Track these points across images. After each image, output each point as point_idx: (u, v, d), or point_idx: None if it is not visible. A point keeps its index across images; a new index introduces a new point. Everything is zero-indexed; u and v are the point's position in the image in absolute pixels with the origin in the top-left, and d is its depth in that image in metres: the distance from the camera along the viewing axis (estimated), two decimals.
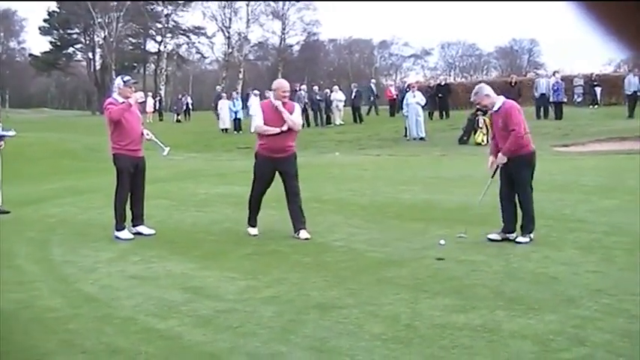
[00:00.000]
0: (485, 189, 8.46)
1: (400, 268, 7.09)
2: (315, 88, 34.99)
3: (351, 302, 5.93)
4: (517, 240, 8.01)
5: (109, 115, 9.07)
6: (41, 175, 18.93)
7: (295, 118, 9.05)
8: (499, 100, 8.14)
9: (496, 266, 6.97)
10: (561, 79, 28.64)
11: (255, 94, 33.04)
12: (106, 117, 9.28)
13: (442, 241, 8.00)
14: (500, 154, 8.15)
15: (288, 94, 9.20)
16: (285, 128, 8.83)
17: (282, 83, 9.27)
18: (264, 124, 8.85)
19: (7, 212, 11.57)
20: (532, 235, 8.02)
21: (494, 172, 8.31)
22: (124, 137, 9.12)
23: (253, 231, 9.26)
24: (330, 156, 21.83)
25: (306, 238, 8.74)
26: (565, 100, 28.78)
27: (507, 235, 8.11)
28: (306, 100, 32.72)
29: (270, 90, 9.64)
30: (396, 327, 5.23)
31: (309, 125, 32.52)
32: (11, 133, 11.89)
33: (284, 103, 8.93)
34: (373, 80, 42.61)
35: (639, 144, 18.41)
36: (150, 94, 49.43)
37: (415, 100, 24.59)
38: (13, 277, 7.27)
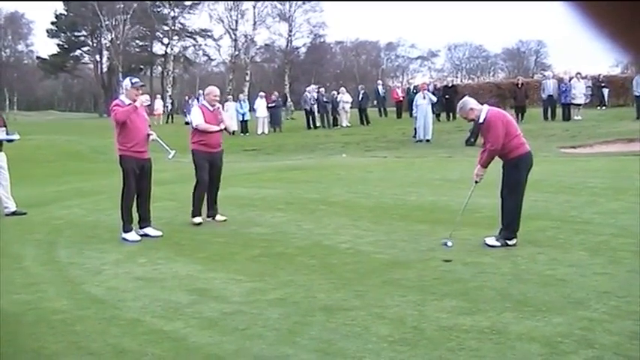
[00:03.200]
0: (468, 196, 8.41)
1: (407, 270, 7.07)
2: (322, 89, 35.02)
3: (358, 304, 5.91)
4: (487, 241, 7.87)
5: (115, 116, 9.13)
6: (48, 177, 18.98)
7: (228, 119, 10.73)
8: (483, 111, 8.04)
9: (503, 268, 6.93)
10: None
11: (261, 96, 33.12)
12: (112, 118, 9.32)
13: (449, 243, 7.95)
14: (478, 167, 8.15)
15: (218, 97, 10.54)
16: (222, 127, 10.31)
17: (212, 89, 10.61)
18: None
19: (24, 213, 11.62)
20: (509, 242, 7.80)
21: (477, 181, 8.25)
22: (129, 139, 9.15)
23: (198, 220, 10.16)
24: (336, 158, 21.81)
25: (224, 220, 10.30)
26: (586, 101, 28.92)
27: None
28: (312, 102, 32.72)
29: (204, 94, 11.10)
30: (403, 329, 5.21)
31: (316, 127, 32.54)
32: (15, 136, 11.92)
33: (216, 107, 10.36)
34: (379, 82, 42.58)
35: None
36: (158, 96, 49.64)
37: (425, 101, 24.55)
38: (20, 279, 7.29)
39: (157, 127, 18.23)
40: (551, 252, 7.55)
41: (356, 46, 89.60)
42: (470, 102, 8.26)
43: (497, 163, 8.11)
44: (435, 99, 25.38)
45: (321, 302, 6.02)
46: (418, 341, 4.93)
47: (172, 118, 45.49)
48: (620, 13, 0.61)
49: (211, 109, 10.23)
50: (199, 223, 10.08)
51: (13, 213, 11.60)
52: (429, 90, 27.43)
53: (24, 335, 5.53)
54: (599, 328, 5.01)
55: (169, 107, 46.95)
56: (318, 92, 33.66)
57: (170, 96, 59.91)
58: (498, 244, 7.79)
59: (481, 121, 8.01)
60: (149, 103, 9.60)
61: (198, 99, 39.47)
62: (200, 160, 10.19)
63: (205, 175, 10.19)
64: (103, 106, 63.37)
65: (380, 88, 38.76)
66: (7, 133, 11.84)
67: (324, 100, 32.97)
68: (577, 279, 6.42)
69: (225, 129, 10.58)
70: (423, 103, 24.51)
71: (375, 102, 38.61)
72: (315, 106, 32.84)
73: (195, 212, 10.21)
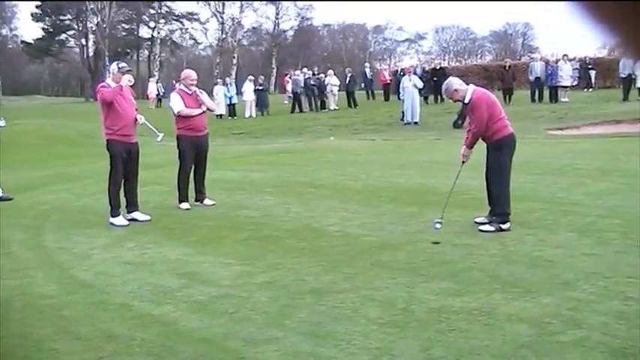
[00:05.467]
0: (455, 177, 8.40)
1: (395, 252, 7.08)
2: (310, 72, 34.88)
3: (347, 287, 5.92)
4: (480, 228, 7.80)
5: (102, 96, 9.06)
6: (35, 161, 18.86)
7: (208, 100, 10.52)
8: (469, 92, 7.97)
9: (492, 250, 6.96)
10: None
11: (250, 80, 32.97)
12: (98, 99, 9.26)
13: (437, 225, 7.93)
14: (464, 147, 8.13)
15: (195, 81, 10.30)
16: (204, 109, 10.24)
17: (189, 72, 10.46)
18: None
19: (11, 199, 11.53)
20: (503, 226, 7.74)
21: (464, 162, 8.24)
22: (116, 122, 9.08)
23: (186, 205, 10.15)
24: (325, 141, 21.78)
25: (213, 204, 10.27)
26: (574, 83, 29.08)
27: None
28: (302, 85, 32.60)
29: (181, 79, 10.72)
30: (392, 311, 5.22)
31: (301, 111, 32.42)
32: (1, 123, 11.84)
33: (194, 90, 10.19)
34: (367, 65, 42.47)
35: (634, 127, 18.41)
36: (152, 79, 49.33)
37: (411, 83, 24.52)
38: (8, 264, 7.26)
39: (148, 111, 18.01)
40: (540, 233, 7.58)
41: (343, 28, 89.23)
42: (454, 82, 8.21)
43: (483, 144, 8.10)
44: (420, 85, 25.22)
45: (310, 285, 6.03)
46: (408, 323, 4.95)
47: (160, 102, 45.21)
48: (625, 14, 0.60)
49: (190, 92, 10.16)
50: (187, 209, 10.05)
51: (0, 198, 11.52)
52: (415, 73, 27.37)
53: (12, 320, 5.51)
54: (587, 309, 5.05)
55: (163, 91, 46.73)
56: (306, 75, 33.50)
57: (158, 80, 59.55)
58: (492, 228, 7.73)
59: (466, 101, 7.97)
60: (132, 82, 9.50)
61: None
62: (185, 146, 10.13)
63: (189, 160, 10.16)
64: (89, 90, 62.89)
65: (367, 70, 38.62)
66: None
67: (312, 83, 32.85)
68: (565, 260, 6.45)
69: (208, 109, 10.51)
70: (410, 86, 24.49)
71: (363, 85, 38.50)
72: (303, 90, 32.71)
73: (182, 198, 10.19)
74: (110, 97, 8.99)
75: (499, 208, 7.85)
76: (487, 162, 8.03)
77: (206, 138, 10.36)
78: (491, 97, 8.12)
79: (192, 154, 10.17)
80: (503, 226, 7.76)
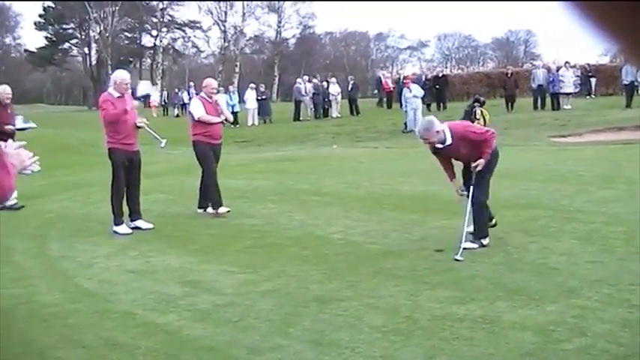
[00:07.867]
0: (466, 217, 7.66)
1: (399, 259, 7.08)
2: (315, 80, 34.86)
3: (351, 295, 5.92)
4: (464, 246, 7.26)
5: (104, 117, 9.13)
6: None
7: (226, 111, 10.81)
8: (447, 132, 7.40)
9: (495, 257, 6.95)
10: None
11: (252, 88, 33.00)
12: (101, 116, 9.25)
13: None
14: (480, 160, 7.47)
15: (216, 90, 10.62)
16: (223, 118, 10.40)
17: (210, 81, 10.66)
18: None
19: (18, 209, 11.46)
20: (484, 241, 7.45)
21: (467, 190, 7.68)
22: (118, 131, 9.10)
23: (224, 209, 10.11)
24: (327, 149, 21.78)
25: (228, 211, 10.09)
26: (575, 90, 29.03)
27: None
28: (304, 93, 32.61)
29: (202, 87, 10.84)
30: (396, 319, 5.22)
31: (299, 119, 32.38)
32: (32, 125, 11.95)
33: (215, 99, 10.36)
34: (382, 72, 42.11)
35: (636, 134, 18.39)
36: (154, 86, 49.41)
37: (412, 94, 24.48)
38: (11, 273, 7.26)
39: (151, 120, 17.87)
40: (543, 241, 7.57)
41: (345, 36, 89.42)
42: (435, 122, 7.50)
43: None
44: (420, 93, 25.03)
45: (314, 293, 6.03)
46: (412, 331, 4.94)
47: (167, 110, 45.29)
48: (620, 14, 0.60)
49: (211, 101, 10.23)
50: (228, 211, 10.06)
51: (10, 207, 11.39)
52: (417, 82, 27.37)
53: (16, 329, 5.52)
54: (592, 316, 5.04)
55: (165, 100, 46.92)
56: (310, 83, 33.47)
57: (162, 88, 59.75)
58: (476, 245, 7.47)
59: (449, 142, 7.45)
60: (147, 123, 9.56)
61: (188, 91, 39.35)
62: (204, 151, 10.17)
63: (212, 163, 10.18)
64: (92, 99, 63.02)
65: (382, 77, 37.89)
66: (24, 121, 11.85)
67: (314, 91, 32.87)
68: (569, 267, 6.45)
69: (226, 119, 10.67)
70: (411, 97, 24.44)
71: (376, 91, 38.23)
72: (307, 98, 32.65)
73: (219, 202, 10.14)
74: (112, 119, 9.07)
75: (482, 226, 7.59)
76: (469, 177, 7.74)
77: (220, 146, 10.45)
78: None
79: (213, 156, 10.20)
80: (484, 242, 7.51)
